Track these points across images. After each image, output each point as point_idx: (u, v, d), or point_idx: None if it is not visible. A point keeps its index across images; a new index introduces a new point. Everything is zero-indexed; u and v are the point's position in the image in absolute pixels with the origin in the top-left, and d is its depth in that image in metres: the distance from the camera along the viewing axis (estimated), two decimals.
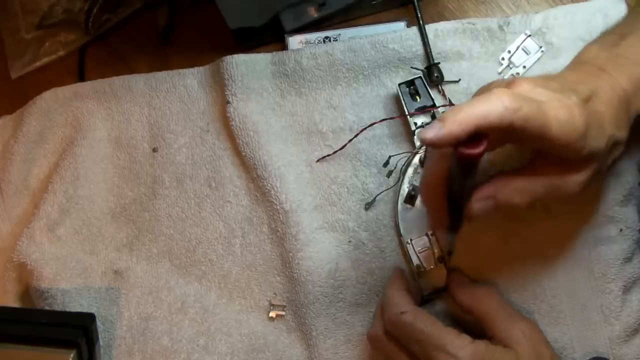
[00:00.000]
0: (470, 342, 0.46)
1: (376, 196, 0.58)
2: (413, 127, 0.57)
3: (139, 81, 0.65)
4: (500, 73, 0.58)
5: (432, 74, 0.58)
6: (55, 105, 0.66)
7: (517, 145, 0.48)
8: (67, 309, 0.59)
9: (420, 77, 0.57)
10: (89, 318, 0.57)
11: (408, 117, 0.57)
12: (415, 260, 0.55)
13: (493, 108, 0.38)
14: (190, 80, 0.64)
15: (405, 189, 0.56)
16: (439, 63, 0.58)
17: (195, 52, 0.66)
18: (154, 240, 0.62)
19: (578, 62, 0.48)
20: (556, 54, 0.57)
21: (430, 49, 0.58)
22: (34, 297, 0.60)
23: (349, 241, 0.58)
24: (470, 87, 0.58)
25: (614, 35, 0.48)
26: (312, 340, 0.56)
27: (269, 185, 0.59)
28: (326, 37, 0.62)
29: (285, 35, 0.62)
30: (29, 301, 0.62)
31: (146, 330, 0.59)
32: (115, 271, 0.61)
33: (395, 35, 0.59)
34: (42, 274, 0.60)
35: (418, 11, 0.59)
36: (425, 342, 0.46)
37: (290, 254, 0.57)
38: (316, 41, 0.62)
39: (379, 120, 0.58)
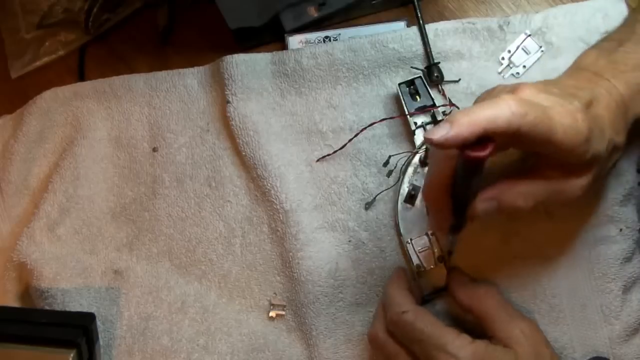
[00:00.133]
0: (470, 342, 0.46)
1: (376, 196, 0.58)
2: (413, 127, 0.57)
3: (139, 81, 0.65)
4: (500, 73, 0.58)
5: (432, 74, 0.58)
6: (55, 104, 0.66)
7: (520, 149, 0.48)
8: (67, 309, 0.59)
9: (420, 76, 0.57)
10: (89, 318, 0.57)
11: (408, 116, 0.57)
12: (415, 260, 0.55)
13: (501, 112, 0.39)
14: (190, 80, 0.64)
15: (405, 188, 0.56)
16: (439, 63, 0.58)
17: (195, 52, 0.66)
18: (154, 240, 0.62)
19: (576, 67, 0.48)
20: (556, 54, 0.57)
21: (430, 48, 0.58)
22: (34, 296, 0.60)
23: (349, 241, 0.58)
24: (470, 86, 0.58)
25: (612, 41, 0.49)
26: (312, 340, 0.56)
27: (269, 184, 0.59)
28: (326, 37, 0.62)
29: (285, 35, 0.62)
30: (29, 301, 0.62)
31: (146, 329, 0.59)
32: (115, 271, 0.61)
33: (395, 35, 0.59)
34: (42, 273, 0.60)
35: (418, 11, 0.59)
36: (425, 341, 0.46)
37: (290, 253, 0.57)
38: (316, 41, 0.62)
39: (379, 120, 0.58)
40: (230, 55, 0.61)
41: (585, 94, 0.43)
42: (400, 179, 0.57)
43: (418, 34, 0.59)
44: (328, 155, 0.59)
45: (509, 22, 0.58)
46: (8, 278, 0.62)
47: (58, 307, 0.59)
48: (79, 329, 0.55)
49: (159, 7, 0.67)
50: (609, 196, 0.53)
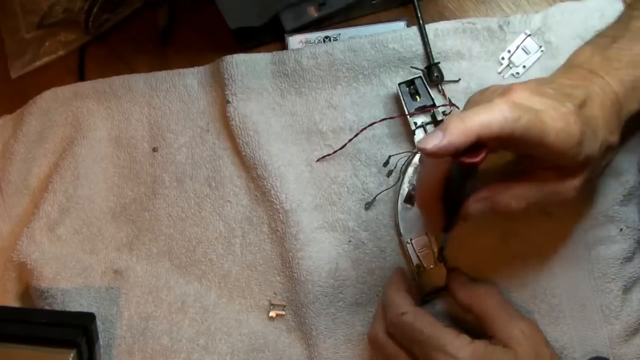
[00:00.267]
0: (470, 342, 0.46)
1: (376, 196, 0.58)
2: (413, 127, 0.57)
3: (139, 81, 0.65)
4: (500, 73, 0.58)
5: (432, 74, 0.58)
6: (55, 104, 0.66)
7: (513, 152, 0.48)
8: (67, 309, 0.59)
9: (420, 76, 0.57)
10: (89, 318, 0.57)
11: (408, 116, 0.57)
12: (415, 260, 0.55)
13: (494, 118, 0.39)
14: (190, 80, 0.64)
15: (405, 188, 0.56)
16: (439, 63, 0.58)
17: (195, 52, 0.66)
18: (154, 240, 0.62)
19: (571, 64, 0.48)
20: (556, 54, 0.57)
21: (430, 48, 0.58)
22: (34, 296, 0.61)
23: (349, 241, 0.58)
24: (470, 86, 0.58)
25: (606, 37, 0.49)
26: (312, 340, 0.56)
27: (269, 184, 0.59)
28: (326, 37, 0.62)
29: (285, 35, 0.62)
30: (29, 301, 0.62)
31: (146, 329, 0.59)
32: (115, 271, 0.61)
33: (395, 34, 0.59)
34: (42, 273, 0.60)
35: (418, 11, 0.59)
36: (425, 342, 0.46)
37: (290, 253, 0.57)
38: (316, 41, 0.62)
39: (379, 120, 0.58)
40: (230, 55, 0.61)
41: (580, 93, 0.43)
42: (400, 179, 0.57)
43: (418, 34, 0.59)
44: (328, 155, 0.59)
45: (509, 22, 0.58)
46: (8, 278, 0.62)
47: (58, 307, 0.59)
48: (79, 329, 0.55)
49: (159, 7, 0.67)
50: (609, 196, 0.53)
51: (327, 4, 0.61)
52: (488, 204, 0.45)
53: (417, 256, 0.55)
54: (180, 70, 0.64)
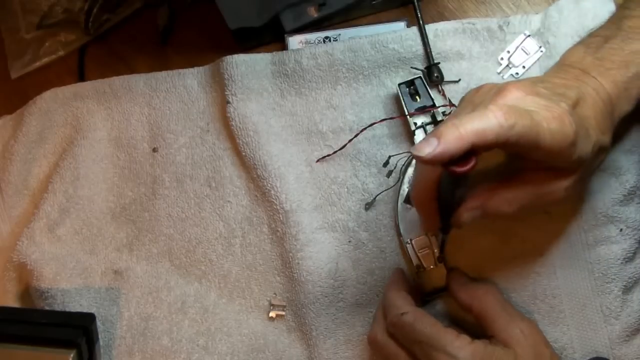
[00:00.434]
0: (470, 342, 0.46)
1: (376, 196, 0.58)
2: (413, 127, 0.57)
3: (139, 81, 0.65)
4: (499, 73, 0.58)
5: (432, 74, 0.58)
6: (55, 105, 0.66)
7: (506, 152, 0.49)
8: (67, 309, 0.59)
9: (420, 77, 0.57)
10: (89, 318, 0.57)
11: (408, 117, 0.57)
12: (415, 260, 0.55)
13: (489, 125, 0.39)
14: (190, 80, 0.64)
15: (405, 189, 0.56)
16: (439, 63, 0.58)
17: (195, 52, 0.66)
18: (154, 240, 0.62)
19: (563, 64, 0.48)
20: (555, 54, 0.57)
21: (430, 49, 0.58)
22: (34, 297, 0.61)
23: (349, 241, 0.58)
24: (470, 87, 0.57)
25: (598, 37, 0.49)
26: (312, 340, 0.56)
27: (268, 185, 0.59)
28: (326, 37, 0.62)
29: (285, 35, 0.62)
30: (29, 301, 0.62)
31: (146, 330, 0.59)
32: (115, 271, 0.61)
33: (395, 35, 0.59)
34: (42, 274, 0.60)
35: (418, 11, 0.59)
36: (425, 342, 0.46)
37: (290, 254, 0.57)
38: (316, 41, 0.62)
39: (379, 120, 0.58)
40: (230, 56, 0.61)
41: (573, 93, 0.43)
42: (400, 179, 0.57)
43: (418, 34, 0.59)
44: (328, 155, 0.59)
45: (508, 23, 0.58)
46: (8, 278, 0.62)
47: (58, 307, 0.59)
48: (79, 329, 0.55)
49: (159, 7, 0.67)
50: (609, 196, 0.53)
51: (327, 4, 0.61)
52: (479, 211, 0.46)
53: (417, 256, 0.55)
54: (180, 70, 0.64)
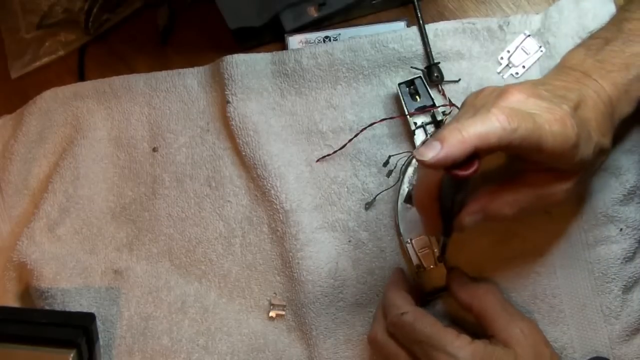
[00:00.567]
0: (470, 342, 0.46)
1: (376, 196, 0.58)
2: (413, 127, 0.57)
3: (138, 81, 0.65)
4: (499, 73, 0.58)
5: (432, 74, 0.58)
6: (55, 104, 0.66)
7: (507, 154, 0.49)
8: (67, 309, 0.59)
9: (420, 76, 0.57)
10: (89, 318, 0.57)
11: (408, 116, 0.57)
12: (415, 260, 0.55)
13: (492, 129, 0.39)
14: (190, 80, 0.64)
15: (405, 188, 0.56)
16: (439, 63, 0.58)
17: (195, 52, 0.66)
18: (154, 240, 0.62)
19: (564, 66, 0.48)
20: (555, 54, 0.57)
21: (430, 48, 0.58)
22: (34, 296, 0.61)
23: (349, 241, 0.58)
24: (470, 86, 0.58)
25: (599, 39, 0.49)
26: (312, 340, 0.56)
27: (269, 184, 0.59)
28: (326, 37, 0.62)
29: (285, 35, 0.62)
30: (29, 301, 0.62)
31: (146, 329, 0.59)
32: (115, 271, 0.61)
33: (395, 34, 0.59)
34: (42, 273, 0.60)
35: (418, 11, 0.59)
36: (425, 342, 0.46)
37: (290, 253, 0.57)
38: (316, 41, 0.62)
39: (378, 120, 0.58)
40: (230, 55, 0.61)
41: (574, 96, 0.44)
42: (400, 179, 0.57)
43: (418, 34, 0.59)
44: (328, 155, 0.59)
45: (508, 22, 0.58)
46: (8, 278, 0.62)
47: (58, 307, 0.59)
48: (79, 329, 0.55)
49: (159, 7, 0.67)
50: (609, 196, 0.53)
51: (327, 4, 0.61)
52: (481, 215, 0.46)
53: (417, 256, 0.55)
54: (180, 70, 0.64)
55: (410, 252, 0.55)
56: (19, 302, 0.62)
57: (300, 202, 0.58)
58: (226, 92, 0.61)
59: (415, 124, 0.57)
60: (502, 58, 0.58)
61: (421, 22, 0.59)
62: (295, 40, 0.62)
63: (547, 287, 0.54)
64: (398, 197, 0.56)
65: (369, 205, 0.58)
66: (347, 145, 0.58)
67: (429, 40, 0.58)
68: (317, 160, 0.60)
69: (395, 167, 0.57)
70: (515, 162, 0.47)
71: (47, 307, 0.60)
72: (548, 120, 0.41)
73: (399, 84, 0.57)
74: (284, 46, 0.63)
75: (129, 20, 0.69)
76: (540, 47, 0.57)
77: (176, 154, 0.63)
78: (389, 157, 0.58)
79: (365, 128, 0.58)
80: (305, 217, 0.58)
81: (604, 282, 0.53)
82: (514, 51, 0.58)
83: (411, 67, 0.59)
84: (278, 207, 0.58)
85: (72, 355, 0.54)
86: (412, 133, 0.57)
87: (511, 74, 0.58)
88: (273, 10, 0.61)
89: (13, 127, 0.67)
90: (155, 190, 0.62)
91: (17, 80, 0.71)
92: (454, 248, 0.54)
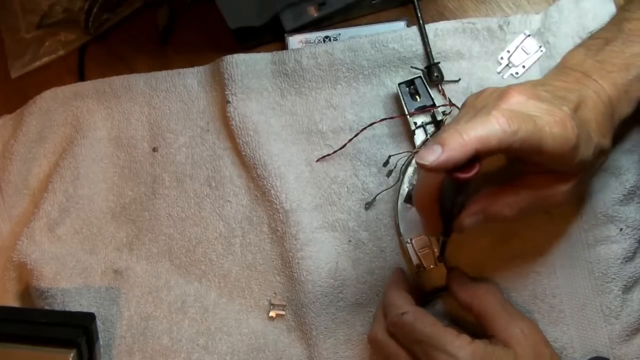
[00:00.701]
0: (470, 342, 0.46)
1: (376, 196, 0.58)
2: (413, 127, 0.57)
3: (138, 81, 0.65)
4: (499, 72, 0.58)
5: (432, 74, 0.58)
6: (55, 104, 0.66)
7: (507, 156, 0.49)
8: (67, 309, 0.59)
9: (420, 76, 0.57)
10: (89, 318, 0.57)
11: (408, 116, 0.57)
12: (415, 260, 0.55)
13: (492, 132, 0.39)
14: (190, 80, 0.64)
15: (405, 188, 0.56)
16: (439, 62, 0.58)
17: (195, 52, 0.66)
18: (154, 240, 0.62)
19: (564, 67, 0.48)
20: (555, 54, 0.57)
21: (430, 48, 0.58)
22: (34, 296, 0.61)
23: (349, 241, 0.58)
24: (470, 86, 0.58)
25: (599, 40, 0.49)
26: (312, 340, 0.56)
27: (268, 184, 0.59)
28: (326, 37, 0.62)
29: (285, 35, 0.62)
30: (28, 301, 0.62)
31: (146, 329, 0.59)
32: (115, 271, 0.61)
33: (395, 34, 0.59)
34: (42, 273, 0.60)
35: (418, 11, 0.59)
36: (425, 342, 0.46)
37: (290, 253, 0.57)
38: (316, 41, 0.62)
39: (378, 119, 0.58)
40: (230, 55, 0.61)
41: (574, 96, 0.44)
42: (400, 179, 0.57)
43: (418, 33, 0.59)
44: (328, 155, 0.59)
45: (509, 22, 0.58)
46: (8, 278, 0.62)
47: (58, 307, 0.59)
48: (79, 329, 0.55)
49: (159, 7, 0.67)
50: (609, 196, 0.53)
51: (327, 4, 0.61)
52: (481, 216, 0.46)
53: (417, 256, 0.55)
54: (180, 70, 0.64)
55: (410, 252, 0.55)
56: (19, 302, 0.62)
57: (300, 202, 0.58)
58: (226, 92, 0.61)
59: (415, 123, 0.57)
60: (502, 58, 0.58)
61: (421, 22, 0.59)
62: (295, 40, 0.62)
63: (547, 287, 0.54)
64: (398, 197, 0.56)
65: (369, 205, 0.58)
66: (347, 145, 0.58)
67: (429, 40, 0.58)
68: (317, 160, 0.60)
69: (395, 167, 0.57)
70: (516, 164, 0.47)
71: (47, 307, 0.60)
72: (548, 122, 0.41)
73: (399, 84, 0.57)
74: (284, 46, 0.63)
75: (129, 20, 0.69)
76: (540, 47, 0.57)
77: (176, 153, 0.63)
78: (389, 157, 0.58)
79: (365, 128, 0.58)
80: (305, 217, 0.58)
81: (604, 282, 0.53)
82: (514, 51, 0.58)
83: (411, 67, 0.59)
84: (278, 207, 0.58)
85: (72, 355, 0.54)
86: (412, 133, 0.57)
87: (511, 74, 0.58)
88: (273, 10, 0.61)
89: (13, 127, 0.67)
90: (155, 190, 0.62)
91: (17, 80, 0.71)
92: (454, 248, 0.54)
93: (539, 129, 0.40)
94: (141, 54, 0.68)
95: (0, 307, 0.60)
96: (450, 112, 0.57)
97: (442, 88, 0.58)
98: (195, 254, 0.61)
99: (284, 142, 0.60)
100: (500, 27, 0.58)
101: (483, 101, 0.44)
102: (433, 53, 0.58)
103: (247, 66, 0.61)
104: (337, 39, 0.61)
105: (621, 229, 0.53)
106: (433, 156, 0.38)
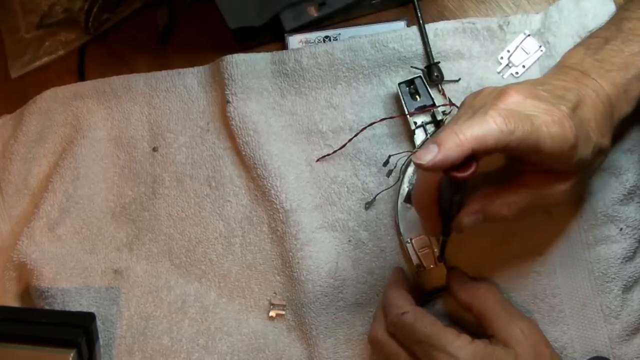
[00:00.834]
0: (470, 342, 0.46)
1: (376, 195, 0.58)
2: (413, 127, 0.57)
3: (138, 80, 0.65)
4: (499, 72, 0.58)
5: (432, 74, 0.58)
6: (55, 104, 0.66)
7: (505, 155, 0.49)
8: (67, 309, 0.59)
9: (420, 76, 0.57)
10: (89, 317, 0.57)
11: (408, 116, 0.57)
12: (415, 260, 0.55)
13: (489, 131, 0.39)
14: (190, 80, 0.64)
15: (405, 188, 0.56)
16: (439, 62, 0.58)
17: (195, 52, 0.66)
18: (154, 240, 0.62)
19: (563, 66, 0.48)
20: (555, 54, 0.57)
21: (430, 48, 0.58)
22: (34, 296, 0.61)
23: (349, 240, 0.58)
24: (470, 86, 0.58)
25: (598, 39, 0.49)
26: (312, 340, 0.56)
27: (268, 184, 0.59)
28: (326, 37, 0.62)
29: (285, 35, 0.62)
30: (28, 300, 0.62)
31: (146, 329, 0.59)
32: (115, 271, 0.61)
33: (395, 34, 0.59)
34: (42, 273, 0.60)
35: (418, 10, 0.59)
36: (425, 342, 0.46)
37: (290, 253, 0.57)
38: (316, 40, 0.62)
39: (378, 119, 0.58)
40: (230, 55, 0.61)
41: (573, 96, 0.44)
42: (400, 178, 0.57)
43: (418, 33, 0.59)
44: (328, 155, 0.59)
45: (508, 22, 0.58)
46: (8, 278, 0.62)
47: (58, 307, 0.59)
48: (79, 329, 0.55)
49: (159, 7, 0.67)
50: (609, 195, 0.53)
51: (327, 4, 0.61)
52: (480, 216, 0.46)
53: (417, 256, 0.55)
54: (180, 70, 0.64)
55: (410, 251, 0.55)
56: (19, 302, 0.62)
57: (300, 202, 0.58)
58: (226, 92, 0.61)
59: (415, 123, 0.57)
60: (502, 58, 0.58)
61: (421, 21, 0.59)
62: (295, 40, 0.62)
63: (547, 287, 0.54)
64: (398, 196, 0.56)
65: (369, 205, 0.58)
66: (347, 145, 0.58)
67: (429, 40, 0.58)
68: (317, 160, 0.60)
69: (395, 167, 0.57)
70: (514, 163, 0.47)
71: (47, 307, 0.60)
72: (546, 121, 0.41)
73: (399, 84, 0.57)
74: (284, 46, 0.63)
75: (129, 20, 0.69)
76: (540, 46, 0.57)
77: (176, 153, 0.63)
78: (389, 156, 0.58)
79: (365, 128, 0.58)
80: (305, 216, 0.58)
81: (604, 281, 0.53)
82: (514, 51, 0.58)
83: (411, 66, 0.59)
84: (278, 206, 0.58)
85: (72, 355, 0.54)
86: (412, 133, 0.57)
87: (511, 74, 0.58)
88: (273, 10, 0.61)
89: (13, 127, 0.67)
90: (155, 190, 0.62)
91: (17, 80, 0.71)
92: (454, 248, 0.54)
93: (536, 129, 0.40)
94: (141, 54, 0.68)
95: (0, 307, 0.60)
96: (450, 112, 0.57)
97: (442, 88, 0.58)
98: (195, 253, 0.61)
99: (284, 142, 0.60)
100: (500, 27, 0.58)
101: (481, 101, 0.44)
102: (433, 53, 0.58)
103: (247, 66, 0.61)
104: (337, 39, 0.61)
105: (621, 229, 0.53)
106: (430, 156, 0.38)
